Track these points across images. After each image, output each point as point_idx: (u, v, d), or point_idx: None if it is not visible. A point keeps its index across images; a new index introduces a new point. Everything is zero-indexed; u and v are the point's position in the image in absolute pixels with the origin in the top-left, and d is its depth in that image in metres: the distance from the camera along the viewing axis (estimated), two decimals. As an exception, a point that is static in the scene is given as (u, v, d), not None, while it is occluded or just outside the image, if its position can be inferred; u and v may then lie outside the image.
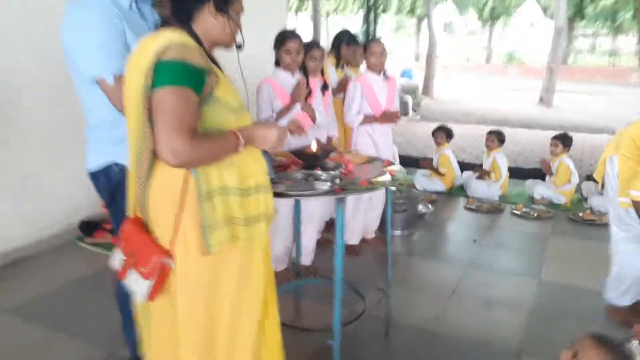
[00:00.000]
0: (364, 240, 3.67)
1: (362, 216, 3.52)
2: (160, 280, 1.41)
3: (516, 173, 5.48)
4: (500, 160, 5.01)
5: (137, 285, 1.41)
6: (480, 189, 4.95)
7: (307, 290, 2.95)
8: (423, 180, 5.18)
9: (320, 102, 3.12)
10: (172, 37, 1.32)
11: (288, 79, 2.89)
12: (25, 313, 2.75)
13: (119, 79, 1.58)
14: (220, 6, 1.43)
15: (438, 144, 5.35)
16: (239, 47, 1.55)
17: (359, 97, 3.31)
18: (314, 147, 2.15)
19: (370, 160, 2.48)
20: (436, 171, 5.18)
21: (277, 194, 1.76)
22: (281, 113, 2.85)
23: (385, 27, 29.03)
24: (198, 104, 1.33)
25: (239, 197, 1.44)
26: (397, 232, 3.94)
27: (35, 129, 3.46)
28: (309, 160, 2.16)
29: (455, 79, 20.96)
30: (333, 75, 3.86)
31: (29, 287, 3.05)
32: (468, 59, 28.64)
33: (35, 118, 3.45)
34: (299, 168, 2.18)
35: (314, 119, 2.97)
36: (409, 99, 10.75)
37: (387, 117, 3.38)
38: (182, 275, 1.43)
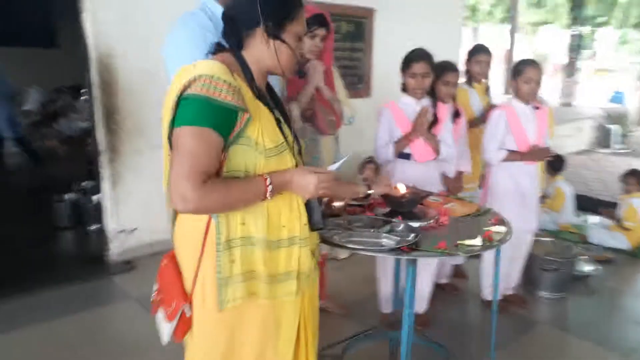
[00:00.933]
0: (501, 297, 3.13)
1: (505, 267, 2.99)
2: (182, 325, 1.33)
3: None
4: None
5: (161, 325, 1.37)
6: (679, 255, 3.90)
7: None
8: (600, 233, 4.30)
9: (449, 132, 2.74)
10: (201, 69, 1.20)
11: (411, 105, 2.61)
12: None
13: None
14: (272, 32, 1.27)
15: (627, 190, 4.40)
16: (301, 76, 1.41)
17: (503, 130, 2.81)
18: (401, 190, 1.86)
19: (482, 212, 2.07)
20: (619, 223, 4.26)
21: (330, 243, 1.57)
22: (400, 142, 2.60)
23: (606, 41, 25.40)
24: (220, 146, 1.20)
25: (265, 250, 1.29)
26: (546, 294, 3.32)
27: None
28: (393, 205, 1.88)
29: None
30: (476, 102, 3.40)
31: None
32: None
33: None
34: (383, 210, 1.92)
35: (437, 152, 2.64)
36: (612, 129, 9.20)
37: (535, 155, 2.84)
38: (198, 327, 1.34)
